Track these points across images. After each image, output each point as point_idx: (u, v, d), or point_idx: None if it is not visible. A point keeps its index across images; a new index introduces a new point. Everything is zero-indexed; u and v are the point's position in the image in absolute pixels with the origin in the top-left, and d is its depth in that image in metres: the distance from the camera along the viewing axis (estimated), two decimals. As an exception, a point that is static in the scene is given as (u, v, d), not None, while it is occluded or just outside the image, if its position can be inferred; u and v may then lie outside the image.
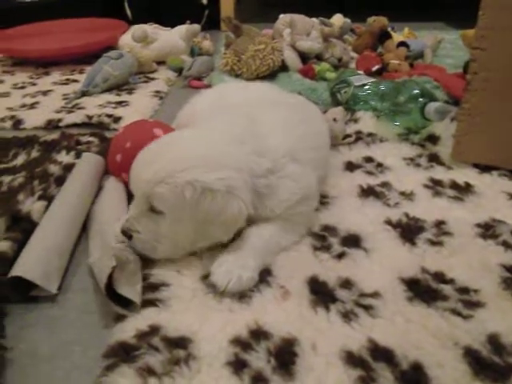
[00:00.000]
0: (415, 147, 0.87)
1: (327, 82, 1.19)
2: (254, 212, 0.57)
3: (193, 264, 0.59)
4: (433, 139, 0.88)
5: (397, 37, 1.42)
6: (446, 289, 0.54)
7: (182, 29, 1.54)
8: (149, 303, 0.52)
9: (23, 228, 0.63)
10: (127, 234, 0.57)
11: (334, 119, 0.87)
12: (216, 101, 0.77)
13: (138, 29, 1.46)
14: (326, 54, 1.29)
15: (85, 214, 0.69)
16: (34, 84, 1.41)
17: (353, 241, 0.62)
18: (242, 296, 0.53)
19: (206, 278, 0.56)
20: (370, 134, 0.91)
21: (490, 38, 0.71)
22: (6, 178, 0.79)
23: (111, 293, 0.52)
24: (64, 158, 0.82)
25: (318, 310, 0.51)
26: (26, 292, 0.56)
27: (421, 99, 0.86)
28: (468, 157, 0.79)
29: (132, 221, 0.57)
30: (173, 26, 1.72)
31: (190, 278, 0.57)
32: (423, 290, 0.54)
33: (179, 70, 1.43)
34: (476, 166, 0.79)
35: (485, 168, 0.79)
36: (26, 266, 0.55)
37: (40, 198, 0.69)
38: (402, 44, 1.30)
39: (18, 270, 0.54)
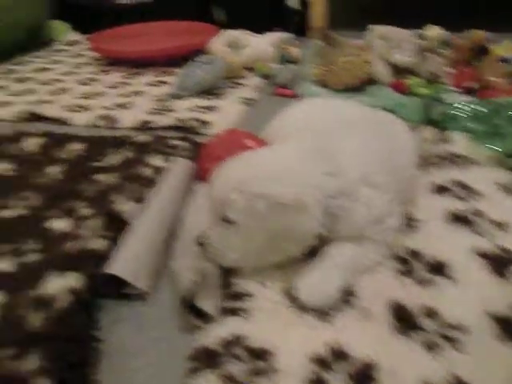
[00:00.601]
0: (510, 173, 0.84)
1: (419, 97, 1.18)
2: (325, 233, 0.58)
3: (277, 276, 0.61)
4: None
5: (496, 50, 1.37)
6: (538, 329, 0.52)
7: (273, 36, 1.58)
8: (232, 312, 0.55)
9: (116, 227, 0.68)
10: (199, 241, 0.60)
11: (425, 139, 0.86)
12: (303, 118, 0.79)
13: (228, 34, 1.51)
14: (420, 68, 1.27)
15: (174, 217, 0.73)
16: (128, 84, 1.50)
17: (438, 268, 0.62)
18: (323, 313, 0.55)
19: (288, 291, 0.58)
20: (461, 156, 0.89)
21: None
22: (102, 177, 0.85)
23: (189, 304, 0.56)
24: (156, 161, 0.88)
25: (399, 337, 0.52)
26: (119, 289, 0.60)
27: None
28: None
29: (205, 229, 0.61)
30: (263, 30, 1.77)
31: (273, 290, 0.59)
32: (513, 328, 0.53)
33: (267, 77, 1.46)
34: None
35: None
36: (119, 265, 0.60)
37: (132, 199, 0.74)
38: (502, 60, 1.25)
39: (111, 267, 0.59)
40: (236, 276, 0.61)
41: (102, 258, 0.61)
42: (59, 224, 0.70)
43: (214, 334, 0.53)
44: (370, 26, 1.38)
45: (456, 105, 0.99)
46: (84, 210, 0.74)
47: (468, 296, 0.57)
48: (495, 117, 0.89)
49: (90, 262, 0.59)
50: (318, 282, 0.56)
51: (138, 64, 1.65)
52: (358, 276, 0.60)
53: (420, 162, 0.86)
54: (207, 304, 0.56)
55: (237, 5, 2.03)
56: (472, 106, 0.97)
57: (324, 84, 1.30)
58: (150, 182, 0.80)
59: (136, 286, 0.59)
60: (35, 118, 1.25)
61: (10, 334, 0.50)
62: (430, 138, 0.88)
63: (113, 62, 1.71)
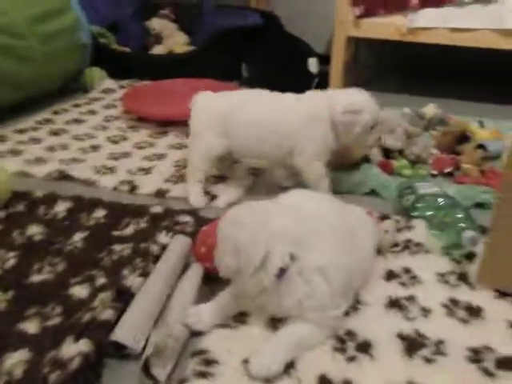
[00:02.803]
0: (453, 263, 1.06)
1: (403, 178, 1.42)
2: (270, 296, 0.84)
3: (241, 346, 0.86)
4: (470, 257, 1.06)
5: (481, 133, 1.59)
6: (421, 402, 0.75)
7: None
8: (202, 375, 0.80)
9: (125, 299, 0.94)
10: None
11: (386, 231, 1.09)
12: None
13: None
14: (407, 150, 1.50)
15: (170, 288, 0.98)
16: (152, 145, 1.76)
17: (365, 347, 0.85)
18: (268, 381, 0.79)
19: (246, 361, 0.82)
20: (417, 244, 1.12)
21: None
22: (118, 247, 1.12)
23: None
24: (163, 238, 1.14)
25: (319, 402, 0.75)
26: (122, 350, 0.86)
27: (462, 224, 1.05)
28: (490, 281, 0.98)
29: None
30: (282, 91, 2.03)
31: (236, 359, 0.83)
32: (403, 399, 0.75)
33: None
34: (498, 290, 0.97)
35: (503, 293, 0.97)
36: (121, 331, 0.85)
37: (140, 274, 1.00)
38: (480, 145, 1.47)
39: (115, 334, 0.84)
40: (209, 344, 0.86)
41: (110, 326, 0.86)
42: (79, 291, 0.97)
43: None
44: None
45: (422, 193, 1.22)
46: (101, 279, 1.00)
47: (378, 372, 0.80)
48: (449, 210, 1.12)
49: (100, 331, 0.85)
50: (266, 359, 0.80)
51: (163, 122, 1.92)
52: (302, 353, 0.84)
53: (382, 249, 1.09)
54: (159, 372, 0.79)
55: (264, 66, 2.28)
56: (436, 199, 1.19)
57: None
58: (155, 259, 1.06)
59: (133, 349, 0.84)
60: (65, 176, 1.50)
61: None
62: (391, 231, 1.11)
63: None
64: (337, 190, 1.37)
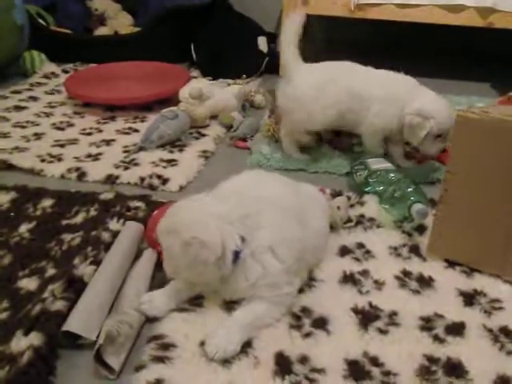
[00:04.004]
0: (404, 236, 1.10)
1: (354, 155, 1.45)
2: (225, 281, 0.86)
3: (198, 329, 0.86)
4: (421, 229, 1.11)
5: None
6: (375, 371, 0.78)
7: (236, 87, 1.84)
8: (159, 360, 0.80)
9: (77, 289, 0.93)
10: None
11: (338, 207, 1.12)
12: (239, 188, 1.02)
13: (194, 88, 1.77)
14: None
15: (123, 275, 0.98)
16: (100, 131, 1.74)
17: (321, 323, 0.87)
18: (226, 362, 0.80)
19: (204, 344, 0.83)
20: (370, 219, 1.15)
21: (460, 164, 0.94)
22: (67, 237, 1.10)
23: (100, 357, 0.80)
24: (115, 225, 1.13)
25: (276, 379, 0.77)
26: (76, 339, 0.85)
27: (412, 198, 1.09)
28: (440, 252, 1.03)
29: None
30: (234, 70, 2.03)
31: (193, 342, 0.84)
32: (358, 369, 0.78)
33: (229, 127, 1.72)
34: (447, 260, 1.02)
35: (452, 263, 1.01)
36: (74, 321, 0.84)
37: (91, 263, 0.99)
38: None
39: (68, 324, 0.83)
40: (167, 329, 0.86)
41: (62, 317, 0.86)
42: (28, 284, 0.95)
43: (142, 378, 0.77)
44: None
45: (373, 169, 1.26)
46: (51, 270, 0.99)
47: (335, 346, 0.83)
48: (398, 184, 1.15)
49: (51, 322, 0.84)
50: (222, 340, 0.81)
51: (111, 107, 1.90)
52: (258, 331, 0.85)
53: (335, 225, 1.12)
54: (113, 360, 0.80)
55: (213, 46, 2.26)
56: (388, 175, 1.22)
57: (276, 140, 1.55)
58: (107, 247, 1.05)
59: (87, 337, 0.84)
60: (8, 166, 1.46)
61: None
62: (343, 207, 1.14)
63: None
64: (288, 168, 1.42)
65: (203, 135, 1.69)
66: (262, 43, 2.26)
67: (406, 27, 2.20)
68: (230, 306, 0.90)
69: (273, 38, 2.27)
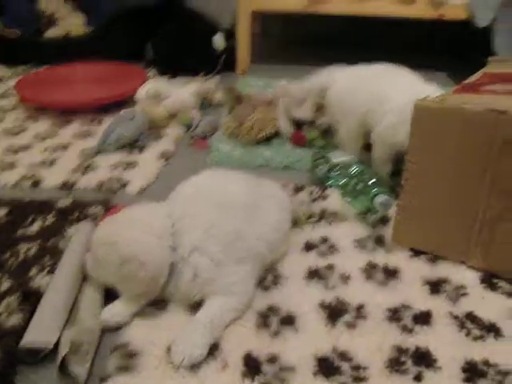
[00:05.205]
0: (368, 228, 1.10)
1: (315, 149, 1.44)
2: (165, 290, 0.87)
3: (164, 334, 0.84)
4: (384, 220, 1.11)
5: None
6: (345, 366, 0.77)
7: (194, 86, 1.81)
8: (124, 369, 0.77)
9: (33, 301, 0.88)
10: None
11: (301, 202, 1.11)
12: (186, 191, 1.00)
13: (151, 87, 1.73)
14: (318, 121, 1.52)
15: (79, 281, 0.94)
16: (55, 135, 1.67)
17: (289, 320, 0.86)
18: (194, 366, 0.78)
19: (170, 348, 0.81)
20: (333, 213, 1.15)
21: (420, 153, 0.94)
22: (23, 247, 1.05)
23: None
24: (73, 233, 1.09)
25: (245, 381, 0.75)
26: (37, 354, 0.81)
27: (374, 189, 1.09)
28: (404, 242, 1.03)
29: None
30: (189, 71, 2.00)
31: (159, 348, 0.81)
32: (328, 366, 0.77)
33: (188, 126, 1.69)
34: (412, 249, 1.02)
35: (417, 252, 1.02)
36: (30, 336, 0.80)
37: (49, 272, 0.95)
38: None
39: (25, 340, 0.79)
40: (133, 337, 0.83)
41: (19, 331, 0.81)
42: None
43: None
44: (277, 84, 1.64)
45: (334, 162, 1.25)
46: (6, 283, 0.94)
47: (304, 343, 0.82)
48: (361, 177, 1.15)
49: (8, 338, 0.80)
50: (187, 345, 0.79)
51: (66, 111, 1.83)
52: (222, 331, 0.83)
53: (298, 220, 1.10)
54: (78, 370, 0.76)
55: (169, 45, 2.23)
56: (348, 168, 1.22)
57: (236, 138, 1.53)
58: (65, 255, 1.01)
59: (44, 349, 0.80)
60: None
61: None
62: (306, 201, 1.13)
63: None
64: (250, 165, 1.40)
65: (162, 136, 1.66)
66: (218, 41, 2.23)
67: (362, 21, 2.21)
68: (195, 306, 0.88)
69: (229, 35, 2.24)
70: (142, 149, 1.55)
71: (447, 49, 2.54)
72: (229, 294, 0.87)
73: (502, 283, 0.94)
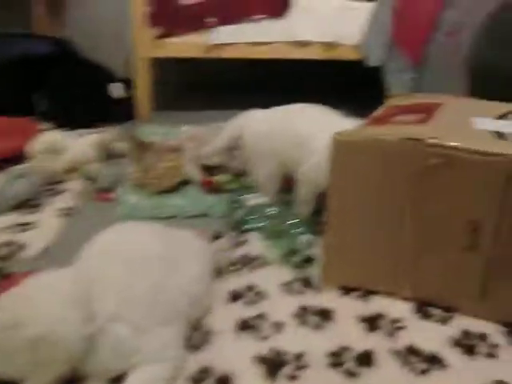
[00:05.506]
0: (294, 270, 1.05)
1: (228, 193, 1.39)
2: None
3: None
4: (309, 261, 1.07)
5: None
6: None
7: (93, 137, 1.70)
8: None
9: None
10: None
11: (221, 250, 1.04)
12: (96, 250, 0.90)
13: (47, 141, 1.61)
14: (227, 164, 1.48)
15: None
16: None
17: (224, 381, 0.78)
18: None
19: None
20: (256, 258, 1.09)
21: (340, 189, 0.92)
22: None
23: None
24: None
25: None
26: None
27: (297, 229, 1.05)
28: (334, 280, 0.99)
29: None
30: (87, 122, 1.89)
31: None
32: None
33: (90, 180, 1.57)
34: (343, 287, 0.99)
35: (347, 290, 0.98)
36: None
37: None
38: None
39: None
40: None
41: None
42: None
43: None
44: (182, 128, 1.59)
45: (250, 205, 1.20)
46: None
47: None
48: (281, 218, 1.11)
49: None
50: None
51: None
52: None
53: (221, 269, 1.03)
54: None
55: (61, 96, 2.11)
56: (266, 209, 1.18)
57: (144, 188, 1.45)
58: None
59: None
60: None
61: None
62: (227, 247, 1.07)
63: None
64: (161, 216, 1.32)
65: (62, 191, 1.53)
66: (115, 89, 2.15)
67: (257, 64, 2.24)
68: (116, 380, 0.78)
69: (127, 84, 2.18)
70: (39, 207, 1.41)
71: (344, 87, 2.64)
72: (156, 363, 0.77)
73: (434, 311, 0.93)
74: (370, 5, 2.07)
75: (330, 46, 2.12)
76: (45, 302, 0.75)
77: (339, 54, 2.13)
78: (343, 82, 2.60)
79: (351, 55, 2.12)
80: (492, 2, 1.66)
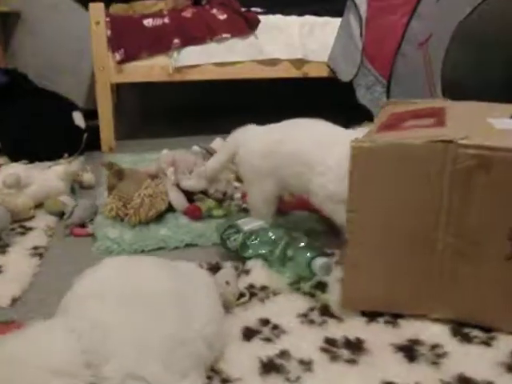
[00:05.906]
0: (307, 298, 0.95)
1: (215, 220, 1.28)
2: None
3: None
4: (321, 286, 0.97)
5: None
6: None
7: (59, 168, 1.57)
8: None
9: None
10: None
11: (226, 282, 0.93)
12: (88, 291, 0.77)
13: (9, 175, 1.46)
14: (211, 189, 1.37)
15: None
16: None
17: None
18: None
19: None
20: (263, 288, 0.98)
21: (361, 200, 0.82)
22: None
23: None
24: None
25: None
26: None
27: (308, 253, 0.95)
28: (356, 304, 0.89)
29: None
30: (50, 154, 1.74)
31: None
32: None
33: (60, 214, 1.43)
34: (364, 313, 0.89)
35: (372, 315, 0.88)
36: None
37: None
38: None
39: None
40: None
41: None
42: None
43: None
44: (162, 152, 1.48)
45: (249, 231, 1.09)
46: None
47: None
48: (288, 242, 1.01)
49: None
50: None
51: None
52: None
53: (227, 304, 0.91)
54: None
55: (18, 130, 1.95)
56: (267, 234, 1.07)
57: (122, 219, 1.32)
58: None
59: None
60: None
61: None
62: (232, 279, 0.95)
63: None
64: (145, 248, 1.21)
65: (30, 229, 1.38)
66: (78, 118, 2.02)
67: (228, 85, 2.17)
68: None
69: (90, 114, 2.05)
70: (6, 248, 1.26)
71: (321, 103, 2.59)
72: None
73: (474, 332, 0.84)
74: (339, 20, 2.04)
75: (298, 62, 2.07)
76: (31, 373, 0.61)
77: (309, 71, 2.09)
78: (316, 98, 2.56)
79: (321, 72, 2.08)
80: (462, 11, 1.64)
